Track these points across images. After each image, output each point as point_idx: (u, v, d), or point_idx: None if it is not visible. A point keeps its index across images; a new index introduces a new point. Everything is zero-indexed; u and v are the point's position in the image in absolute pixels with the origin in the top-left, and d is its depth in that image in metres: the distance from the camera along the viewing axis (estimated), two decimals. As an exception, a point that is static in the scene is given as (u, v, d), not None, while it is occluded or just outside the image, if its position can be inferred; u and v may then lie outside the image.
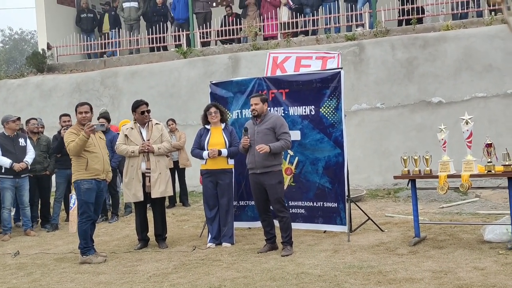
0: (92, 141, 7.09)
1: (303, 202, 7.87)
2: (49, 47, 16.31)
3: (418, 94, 11.73)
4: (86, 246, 7.06)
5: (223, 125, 7.69)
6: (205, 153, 7.52)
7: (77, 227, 7.17)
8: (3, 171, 9.04)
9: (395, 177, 7.34)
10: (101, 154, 7.19)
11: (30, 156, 9.29)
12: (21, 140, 9.29)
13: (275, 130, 6.93)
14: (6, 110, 13.33)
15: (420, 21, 13.34)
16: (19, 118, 9.47)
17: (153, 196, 7.63)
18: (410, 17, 13.14)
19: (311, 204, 7.82)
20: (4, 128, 9.34)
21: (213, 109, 7.61)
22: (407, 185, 7.22)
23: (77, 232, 7.30)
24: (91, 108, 7.30)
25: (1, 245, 8.50)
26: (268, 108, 7.30)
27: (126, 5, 16.21)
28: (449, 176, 6.69)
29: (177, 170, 11.16)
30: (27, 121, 10.16)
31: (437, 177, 6.73)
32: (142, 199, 7.65)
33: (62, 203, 9.99)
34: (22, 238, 9.07)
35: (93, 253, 7.07)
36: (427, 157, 6.89)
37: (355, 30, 13.75)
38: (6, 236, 8.98)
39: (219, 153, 7.46)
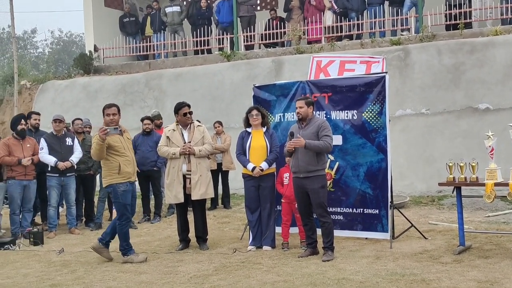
0: (121, 144, 7.08)
1: (342, 209, 7.77)
2: (95, 49, 16.65)
3: (465, 100, 11.50)
4: (127, 246, 7.15)
5: (264, 129, 7.68)
6: (249, 166, 7.51)
7: (118, 229, 7.18)
8: (49, 169, 9.24)
9: (440, 184, 7.20)
10: (131, 156, 7.20)
11: (76, 155, 9.43)
12: (68, 140, 9.44)
13: (319, 133, 6.87)
14: (53, 110, 13.54)
15: (468, 26, 13.08)
16: (58, 120, 9.48)
17: (193, 198, 7.66)
18: (457, 22, 12.91)
19: (351, 210, 7.71)
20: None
21: (254, 112, 7.62)
22: (452, 193, 7.08)
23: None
24: (119, 110, 7.22)
25: (47, 242, 8.68)
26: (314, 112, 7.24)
27: (168, 10, 16.40)
28: (496, 184, 6.53)
29: (221, 172, 11.20)
30: (73, 121, 10.32)
31: (483, 185, 6.58)
32: (182, 200, 7.70)
33: (106, 202, 10.16)
34: (66, 236, 9.25)
35: (133, 253, 7.15)
36: (473, 164, 6.74)
37: (401, 35, 13.58)
38: (51, 233, 9.18)
39: (261, 170, 7.47)
